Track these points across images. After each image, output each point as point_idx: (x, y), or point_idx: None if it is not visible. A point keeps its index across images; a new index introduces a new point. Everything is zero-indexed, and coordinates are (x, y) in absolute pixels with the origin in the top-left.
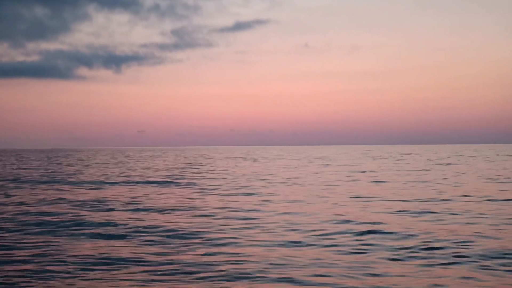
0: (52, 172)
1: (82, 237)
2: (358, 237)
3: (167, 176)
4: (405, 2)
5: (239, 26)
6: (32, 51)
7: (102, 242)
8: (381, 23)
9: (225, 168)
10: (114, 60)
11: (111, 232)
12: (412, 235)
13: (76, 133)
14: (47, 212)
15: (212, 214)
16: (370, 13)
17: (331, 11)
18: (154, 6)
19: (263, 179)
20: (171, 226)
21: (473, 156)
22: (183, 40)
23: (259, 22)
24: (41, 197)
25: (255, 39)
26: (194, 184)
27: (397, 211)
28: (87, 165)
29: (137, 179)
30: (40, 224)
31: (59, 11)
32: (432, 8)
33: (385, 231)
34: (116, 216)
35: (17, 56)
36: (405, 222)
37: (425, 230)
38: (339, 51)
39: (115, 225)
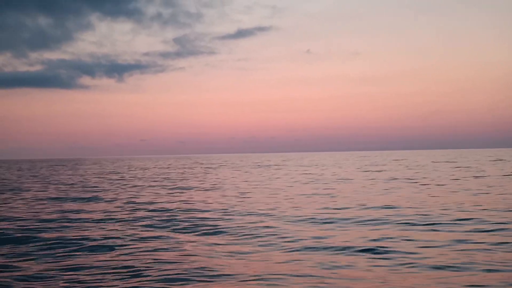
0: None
1: None
2: None
3: None
4: (405, 8)
5: (241, 34)
6: (35, 60)
7: None
8: (380, 29)
9: None
10: (116, 69)
11: None
12: None
13: (79, 142)
14: None
15: None
16: (370, 19)
17: (332, 17)
18: (156, 15)
19: None
20: None
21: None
22: (185, 48)
23: (261, 29)
24: None
25: (257, 46)
26: None
27: None
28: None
29: None
30: None
31: (62, 20)
32: (430, 14)
33: None
34: None
35: (20, 66)
36: None
37: None
38: (340, 56)
39: None
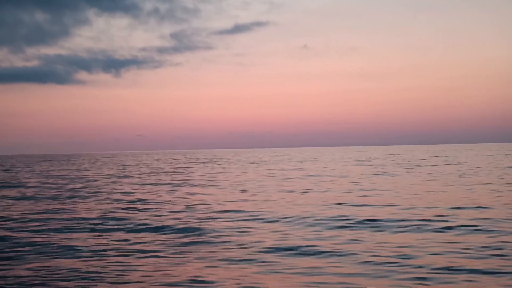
0: None
1: None
2: None
3: None
4: (403, 4)
5: (238, 29)
6: (32, 56)
7: None
8: (378, 25)
9: None
10: (113, 64)
11: None
12: None
13: (75, 137)
14: None
15: None
16: (368, 15)
17: (330, 13)
18: (153, 10)
19: None
20: None
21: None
22: (182, 43)
23: (258, 24)
24: None
25: (254, 41)
26: None
27: None
28: None
29: None
30: None
31: (59, 16)
32: (428, 10)
33: None
34: None
35: (17, 61)
36: None
37: None
38: (337, 52)
39: None
